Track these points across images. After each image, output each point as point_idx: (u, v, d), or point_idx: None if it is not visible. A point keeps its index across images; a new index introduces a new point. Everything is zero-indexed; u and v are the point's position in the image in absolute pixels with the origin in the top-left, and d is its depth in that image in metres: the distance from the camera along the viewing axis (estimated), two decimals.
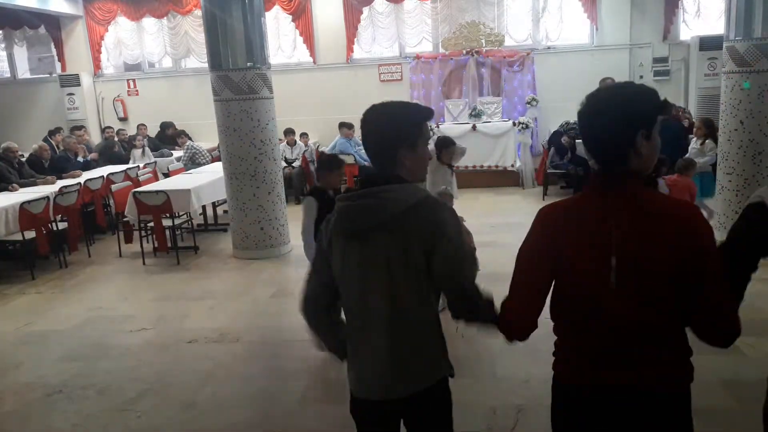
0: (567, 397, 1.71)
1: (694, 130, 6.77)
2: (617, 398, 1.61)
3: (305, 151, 10.01)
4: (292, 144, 10.00)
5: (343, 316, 2.00)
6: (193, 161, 9.52)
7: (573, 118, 9.73)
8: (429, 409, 1.90)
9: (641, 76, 10.31)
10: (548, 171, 9.05)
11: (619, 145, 1.56)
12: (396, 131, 1.82)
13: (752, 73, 6.20)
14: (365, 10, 10.95)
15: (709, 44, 9.25)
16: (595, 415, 1.66)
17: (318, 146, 10.59)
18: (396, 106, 1.87)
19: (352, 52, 11.13)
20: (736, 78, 6.36)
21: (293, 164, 9.80)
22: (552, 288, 1.71)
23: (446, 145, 5.34)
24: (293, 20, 11.13)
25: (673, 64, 10.31)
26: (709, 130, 6.65)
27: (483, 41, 10.38)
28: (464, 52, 10.46)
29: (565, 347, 1.72)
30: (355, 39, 11.07)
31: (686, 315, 1.59)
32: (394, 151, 1.81)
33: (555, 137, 9.16)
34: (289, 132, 9.96)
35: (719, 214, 6.51)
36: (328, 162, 4.34)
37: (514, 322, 1.72)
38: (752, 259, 1.68)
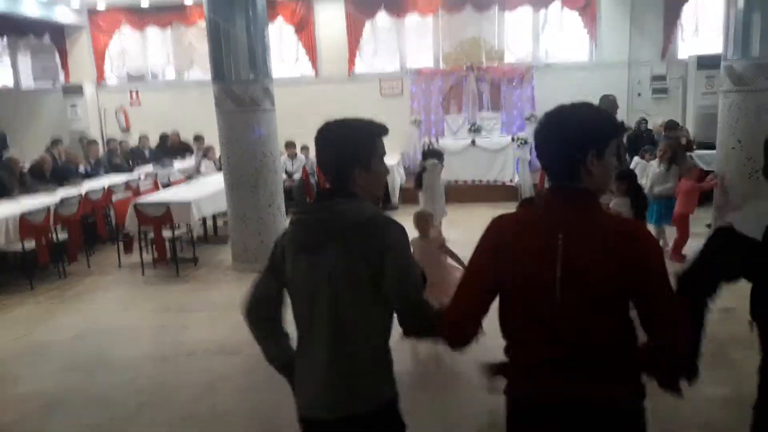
0: (520, 413, 1.71)
1: (659, 153, 6.64)
2: (568, 413, 1.60)
3: (306, 163, 10.05)
4: (293, 156, 10.05)
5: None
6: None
7: None
8: None
9: (639, 94, 10.41)
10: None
11: (569, 162, 1.58)
12: (350, 151, 1.80)
13: (749, 92, 6.27)
14: (367, 23, 11.06)
15: (707, 63, 9.34)
16: (547, 430, 1.64)
17: None
18: (349, 125, 1.85)
19: (354, 65, 11.22)
20: (733, 97, 6.43)
21: (294, 177, 9.84)
22: (500, 304, 1.71)
23: (440, 156, 5.42)
24: (296, 32, 11.23)
25: (671, 82, 10.41)
26: (674, 155, 6.52)
27: (483, 57, 10.48)
28: (464, 67, 10.56)
29: (515, 363, 1.71)
30: (357, 52, 11.17)
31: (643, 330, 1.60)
32: (347, 170, 1.80)
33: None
34: (290, 145, 10.01)
35: None
36: None
37: (454, 330, 1.73)
38: (711, 284, 1.75)
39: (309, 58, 11.32)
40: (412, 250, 3.62)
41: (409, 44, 11.20)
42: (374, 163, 1.83)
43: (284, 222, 7.04)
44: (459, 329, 1.72)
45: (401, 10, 10.86)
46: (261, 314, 1.98)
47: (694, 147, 9.25)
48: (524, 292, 1.62)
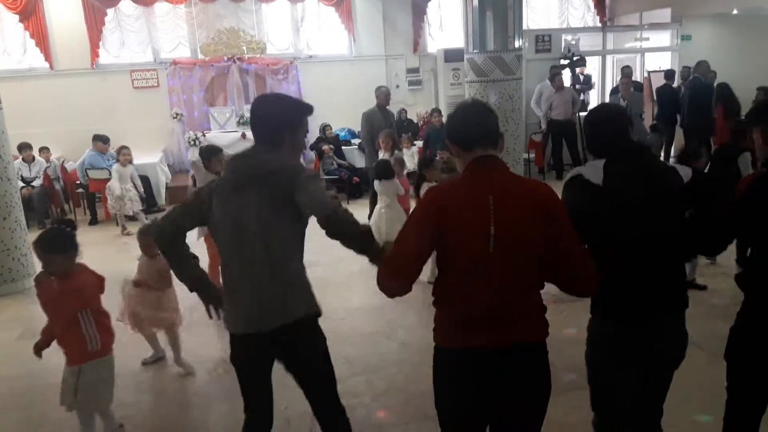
0: (450, 362, 1.95)
1: (383, 143, 7.09)
2: (496, 356, 1.87)
3: (47, 167, 8.71)
4: (29, 160, 8.61)
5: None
6: None
7: (339, 124, 10.07)
8: (302, 337, 2.26)
9: (398, 86, 11.04)
10: (323, 177, 9.18)
11: (497, 136, 1.99)
12: (284, 118, 2.26)
13: (489, 82, 6.99)
14: (110, 12, 9.95)
15: (452, 56, 10.24)
16: (477, 374, 1.89)
17: (63, 161, 9.31)
18: (287, 98, 2.44)
19: (98, 56, 10.02)
20: (476, 86, 7.12)
21: (33, 183, 8.46)
22: (439, 261, 1.95)
23: (214, 153, 5.06)
24: (21, 20, 9.65)
25: (424, 74, 11.22)
26: (394, 144, 7.07)
27: (244, 48, 10.15)
28: (225, 58, 10.12)
29: (447, 316, 1.96)
30: (101, 43, 9.99)
31: (551, 274, 1.93)
32: (280, 134, 2.24)
33: (317, 144, 9.34)
34: (25, 147, 8.55)
35: None
36: None
37: (393, 286, 1.96)
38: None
39: (40, 49, 9.79)
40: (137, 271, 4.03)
41: (161, 33, 10.34)
42: (299, 133, 2.32)
43: (25, 237, 5.99)
44: (398, 286, 1.95)
45: None
46: (172, 241, 2.32)
47: None
48: (461, 247, 1.85)
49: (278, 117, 2.25)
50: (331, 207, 2.18)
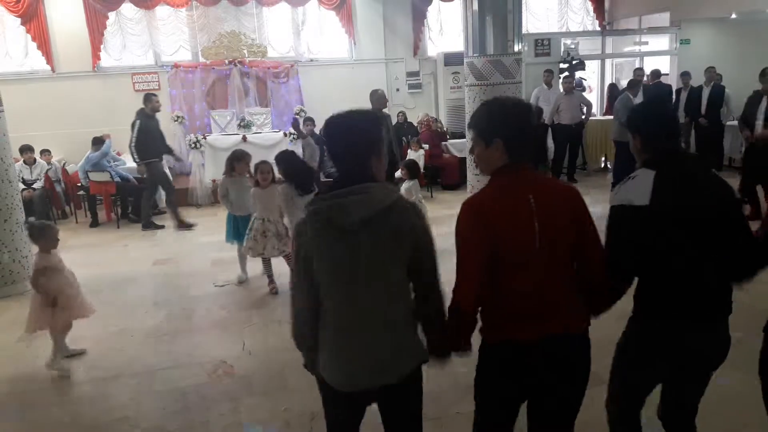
0: (498, 356, 2.01)
1: (402, 172, 6.30)
2: (543, 347, 1.94)
3: (48, 170, 8.74)
4: (30, 163, 8.64)
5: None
6: None
7: None
8: (406, 393, 2.04)
9: (398, 89, 11.09)
10: (322, 180, 9.20)
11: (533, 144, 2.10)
12: (366, 140, 1.95)
13: (488, 86, 7.02)
14: (111, 15, 10.01)
15: (452, 60, 10.28)
16: (523, 368, 1.97)
17: (64, 164, 9.35)
18: (360, 116, 2.00)
19: (99, 59, 10.08)
20: (476, 90, 7.15)
21: (34, 186, 8.49)
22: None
23: (242, 156, 5.83)
24: (23, 23, 9.71)
25: (424, 78, 11.26)
26: (412, 173, 6.17)
27: (245, 51, 10.20)
28: (226, 61, 10.17)
29: (497, 313, 2.00)
30: (102, 46, 10.05)
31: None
32: (365, 158, 1.94)
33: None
34: (26, 149, 8.59)
35: None
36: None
37: (467, 303, 1.94)
38: (629, 254, 2.11)
39: (42, 51, 9.85)
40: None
41: (162, 37, 10.40)
42: (383, 152, 2.00)
43: (26, 239, 6.01)
44: (473, 302, 1.94)
45: (149, 1, 10.04)
46: (311, 327, 2.01)
47: (448, 136, 10.17)
48: (511, 246, 1.92)
49: (358, 138, 1.95)
50: (433, 270, 1.98)
